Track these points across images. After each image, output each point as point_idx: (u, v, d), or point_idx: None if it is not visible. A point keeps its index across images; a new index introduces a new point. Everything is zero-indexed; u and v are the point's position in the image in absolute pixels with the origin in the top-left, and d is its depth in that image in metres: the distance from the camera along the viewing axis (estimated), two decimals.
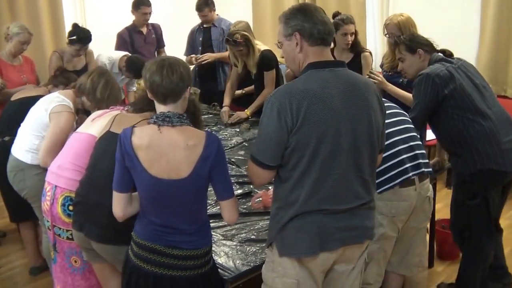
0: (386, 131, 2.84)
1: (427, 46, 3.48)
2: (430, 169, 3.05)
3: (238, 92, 5.31)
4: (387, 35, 4.24)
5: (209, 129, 4.75)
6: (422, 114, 3.35)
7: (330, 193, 2.23)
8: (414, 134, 3.04)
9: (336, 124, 2.19)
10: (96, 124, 3.04)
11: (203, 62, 5.70)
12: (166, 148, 2.27)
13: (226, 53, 5.51)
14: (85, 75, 3.58)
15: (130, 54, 5.38)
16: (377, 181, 2.80)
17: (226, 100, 5.11)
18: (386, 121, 2.84)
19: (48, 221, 3.11)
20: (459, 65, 3.37)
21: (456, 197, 3.47)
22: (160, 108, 2.36)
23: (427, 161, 3.04)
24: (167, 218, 2.34)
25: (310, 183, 2.21)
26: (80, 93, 3.50)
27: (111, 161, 2.46)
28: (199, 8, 5.90)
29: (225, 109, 5.03)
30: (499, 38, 5.83)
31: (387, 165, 2.89)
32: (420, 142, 3.05)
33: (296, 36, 2.27)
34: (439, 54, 3.46)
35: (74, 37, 4.97)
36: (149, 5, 6.04)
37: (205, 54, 5.76)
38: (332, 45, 4.49)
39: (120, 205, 2.42)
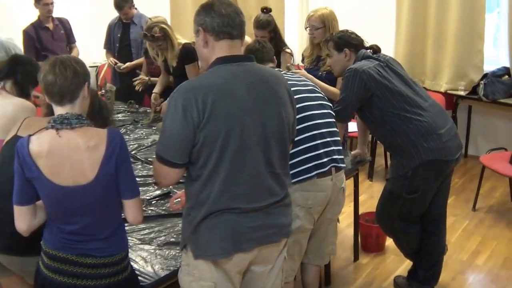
0: (309, 123, 2.88)
1: (356, 46, 3.49)
2: (345, 165, 3.09)
3: (144, 78, 5.26)
4: (307, 28, 4.23)
5: (125, 128, 4.62)
6: (349, 108, 3.37)
7: (242, 190, 2.19)
8: (335, 129, 3.05)
9: (243, 118, 2.15)
10: None
11: (120, 70, 5.68)
12: (67, 153, 2.13)
13: (141, 60, 5.55)
14: None
15: None
16: (293, 171, 2.82)
17: (157, 88, 5.00)
18: (310, 112, 2.86)
19: None
20: (386, 62, 3.39)
21: (392, 189, 3.49)
22: (57, 110, 2.21)
23: (342, 157, 3.06)
24: (77, 225, 2.20)
25: (220, 180, 2.15)
26: None
27: None
28: (118, 7, 5.70)
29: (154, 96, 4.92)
30: (414, 30, 5.99)
31: (305, 157, 2.89)
32: (338, 138, 3.06)
33: (200, 32, 2.24)
34: (367, 51, 3.47)
35: None
36: None
37: (125, 65, 5.69)
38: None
39: (24, 219, 2.25)
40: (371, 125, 3.51)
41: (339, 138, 3.07)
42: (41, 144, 2.15)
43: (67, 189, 2.13)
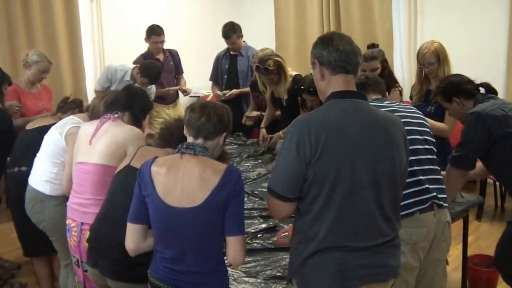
0: (412, 158, 2.74)
1: (464, 91, 3.30)
2: (447, 205, 2.92)
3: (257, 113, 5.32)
4: (422, 66, 4.13)
5: (231, 160, 4.66)
6: (470, 155, 3.16)
7: (352, 229, 2.17)
8: (436, 168, 2.92)
9: (355, 158, 2.13)
10: (97, 149, 3.01)
11: (225, 98, 5.72)
12: (182, 176, 2.25)
13: (246, 89, 5.63)
14: (98, 97, 3.50)
15: None
16: None
17: (264, 122, 5.10)
18: (415, 147, 2.78)
19: (74, 257, 3.10)
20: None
21: None
22: (189, 140, 2.36)
23: (445, 196, 2.91)
24: (176, 250, 2.27)
25: (330, 218, 2.14)
26: (94, 116, 3.37)
27: (128, 196, 2.42)
28: (226, 36, 5.82)
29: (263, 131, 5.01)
30: None
31: (405, 192, 2.73)
32: (440, 177, 2.93)
33: (316, 65, 2.27)
34: (486, 93, 3.30)
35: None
36: (159, 34, 5.88)
37: (231, 91, 5.78)
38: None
39: (133, 236, 2.36)
40: (493, 167, 3.30)
41: (441, 177, 2.93)
42: (162, 164, 2.29)
43: (174, 210, 2.22)
